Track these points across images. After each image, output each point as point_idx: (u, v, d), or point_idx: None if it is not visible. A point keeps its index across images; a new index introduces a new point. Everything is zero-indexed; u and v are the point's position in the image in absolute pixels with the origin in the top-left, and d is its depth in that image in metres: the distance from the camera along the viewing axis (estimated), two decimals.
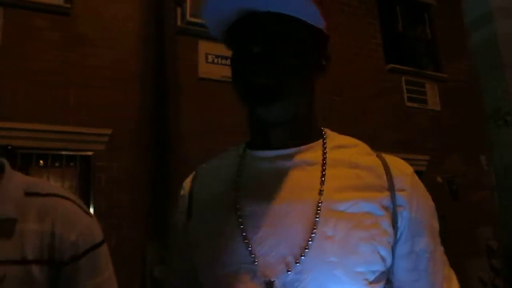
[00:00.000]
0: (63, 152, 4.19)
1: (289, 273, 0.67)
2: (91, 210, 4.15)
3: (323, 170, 0.74)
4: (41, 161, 4.15)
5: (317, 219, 0.69)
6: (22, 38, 4.21)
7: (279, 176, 0.74)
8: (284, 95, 0.72)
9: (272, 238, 0.70)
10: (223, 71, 5.02)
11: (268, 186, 0.74)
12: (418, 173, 6.23)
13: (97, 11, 4.61)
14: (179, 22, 5.01)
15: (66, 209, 0.89)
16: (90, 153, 4.27)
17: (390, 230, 0.72)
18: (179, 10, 5.10)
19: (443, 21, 7.20)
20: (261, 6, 0.70)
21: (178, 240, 0.86)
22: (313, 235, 0.68)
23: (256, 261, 0.69)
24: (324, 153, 0.77)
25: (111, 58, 4.53)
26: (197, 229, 0.80)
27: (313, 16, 0.72)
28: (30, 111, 4.06)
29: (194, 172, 0.89)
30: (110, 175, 4.25)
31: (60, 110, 4.20)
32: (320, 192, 0.72)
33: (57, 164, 4.19)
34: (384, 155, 0.80)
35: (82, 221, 0.90)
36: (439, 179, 6.25)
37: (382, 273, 0.71)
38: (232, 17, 0.74)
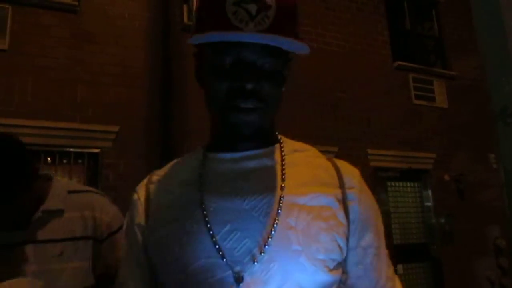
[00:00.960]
0: (71, 149, 4.21)
1: (255, 264, 0.71)
2: None
3: (283, 169, 0.80)
4: (49, 158, 4.18)
5: (279, 211, 0.74)
6: (30, 36, 4.23)
7: (243, 175, 0.79)
8: (265, 125, 0.81)
9: (237, 233, 0.74)
10: None
11: (232, 184, 0.78)
12: (425, 171, 6.23)
13: (104, 8, 4.63)
14: (185, 19, 5.01)
15: (100, 200, 1.34)
16: (97, 150, 4.30)
17: (344, 221, 0.78)
18: (185, 7, 5.10)
19: (451, 18, 7.14)
20: (257, 40, 0.72)
21: (134, 245, 0.85)
22: (276, 226, 0.73)
23: (223, 256, 0.72)
24: (282, 155, 0.83)
25: (118, 55, 4.55)
26: (157, 230, 0.80)
27: (301, 47, 0.74)
28: (38, 108, 4.08)
29: (147, 177, 0.91)
30: (117, 172, 4.27)
31: (68, 107, 4.22)
32: (282, 188, 0.77)
33: (65, 161, 4.22)
34: (333, 159, 0.87)
35: (112, 208, 1.35)
36: (446, 177, 6.21)
37: (339, 262, 0.77)
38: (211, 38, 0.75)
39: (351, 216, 0.80)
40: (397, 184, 6.10)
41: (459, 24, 7.10)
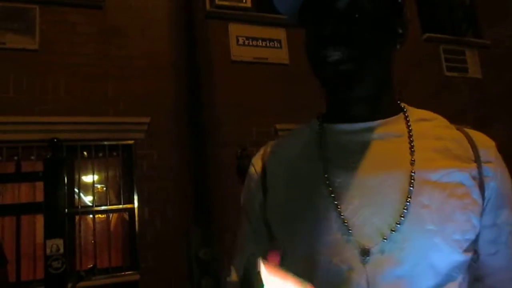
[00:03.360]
0: (105, 142, 4.32)
1: (385, 241, 0.67)
2: (135, 197, 4.28)
3: (411, 141, 0.74)
4: (85, 152, 4.30)
5: (411, 188, 0.69)
6: (58, 34, 4.34)
7: (367, 148, 0.74)
8: (363, 75, 0.71)
9: (366, 209, 0.70)
10: (255, 53, 5.00)
11: (356, 158, 0.74)
12: None
13: (128, 1, 4.67)
14: (208, 6, 5.01)
15: None
16: (131, 141, 4.39)
17: (479, 200, 0.72)
18: None
19: None
20: None
21: (253, 220, 0.83)
22: (408, 203, 0.68)
23: (350, 231, 0.69)
24: (408, 125, 0.77)
25: (144, 47, 4.61)
26: (279, 204, 0.78)
27: None
28: (72, 105, 4.20)
29: (262, 149, 0.87)
30: (151, 162, 4.36)
31: (100, 101, 4.32)
32: (412, 163, 0.71)
33: (100, 154, 4.33)
34: (465, 129, 0.81)
35: None
36: None
37: (473, 242, 0.72)
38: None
39: (487, 193, 0.74)
40: None
41: None
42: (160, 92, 4.54)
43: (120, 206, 4.31)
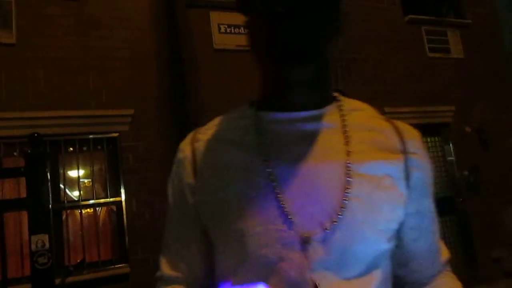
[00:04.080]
0: (90, 136, 4.27)
1: (327, 231, 0.69)
2: (122, 190, 4.25)
3: (345, 132, 0.76)
4: (69, 147, 4.25)
5: (349, 179, 0.71)
6: (35, 28, 4.25)
7: (303, 139, 0.75)
8: (312, 55, 0.72)
9: (304, 198, 0.71)
10: (238, 40, 4.97)
11: (294, 148, 0.74)
12: (445, 125, 6.13)
13: None
14: None
15: None
16: (115, 134, 4.35)
17: (405, 191, 0.75)
18: None
19: None
20: None
21: (182, 205, 0.81)
22: (348, 194, 0.70)
23: (291, 218, 0.69)
24: (342, 116, 0.78)
25: (125, 38, 4.54)
26: (211, 193, 0.76)
27: None
28: (53, 99, 4.13)
29: (191, 135, 0.85)
30: (136, 154, 4.33)
31: (81, 94, 4.26)
32: (348, 153, 0.73)
33: (85, 148, 4.29)
34: (392, 120, 0.83)
35: None
36: (467, 129, 6.11)
37: (396, 230, 0.75)
38: None
39: (412, 183, 0.76)
40: None
41: None
42: (143, 83, 4.49)
43: (107, 200, 4.28)
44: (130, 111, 4.37)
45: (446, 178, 6.11)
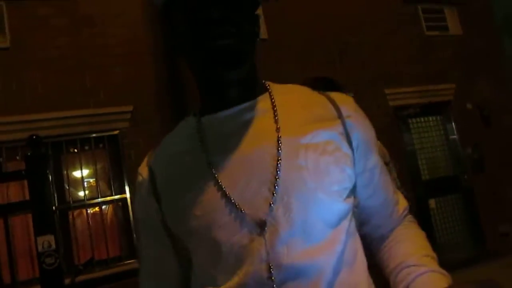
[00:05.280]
0: (91, 135, 4.27)
1: (272, 206, 0.73)
2: (126, 187, 4.26)
3: (275, 111, 0.81)
4: (70, 147, 4.26)
5: (279, 151, 0.76)
6: (29, 30, 4.23)
7: (240, 129, 0.80)
8: (245, 55, 0.79)
9: (249, 183, 0.76)
10: None
11: (233, 140, 0.79)
12: (446, 103, 6.09)
13: None
14: None
15: None
16: (116, 132, 4.35)
17: (349, 151, 0.81)
18: None
19: None
20: None
21: (150, 225, 0.87)
22: (279, 165, 0.75)
23: (241, 209, 0.74)
24: (272, 99, 0.84)
25: (120, 34, 4.52)
26: (172, 203, 0.82)
27: None
28: (51, 100, 4.13)
29: (146, 157, 0.91)
30: (138, 150, 4.32)
31: (79, 94, 4.26)
32: (277, 130, 0.78)
33: (86, 148, 4.29)
34: (326, 92, 0.88)
35: None
36: (469, 106, 6.07)
37: (351, 189, 0.81)
38: None
39: (354, 144, 0.83)
40: (419, 120, 6.00)
41: None
42: (140, 79, 4.48)
43: (112, 197, 4.29)
44: (129, 108, 4.36)
45: (450, 157, 6.09)
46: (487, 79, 6.15)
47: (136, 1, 4.69)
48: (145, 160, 0.91)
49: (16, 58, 4.12)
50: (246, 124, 0.81)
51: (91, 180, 4.44)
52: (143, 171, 0.89)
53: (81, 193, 4.32)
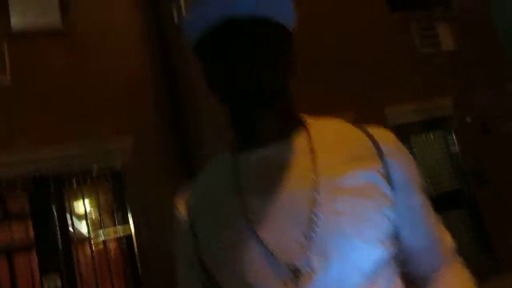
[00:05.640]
0: (92, 169, 4.25)
1: (308, 252, 0.71)
2: (130, 220, 4.22)
3: (312, 151, 0.78)
4: (73, 182, 4.23)
5: (317, 196, 0.73)
6: (30, 66, 4.27)
7: (275, 169, 0.78)
8: (278, 96, 0.78)
9: (283, 227, 0.74)
10: None
11: (267, 181, 0.77)
12: (446, 117, 6.09)
13: (95, 24, 4.61)
14: (176, 19, 4.97)
15: None
16: (118, 164, 4.33)
17: (389, 192, 0.78)
18: (174, 8, 5.05)
19: None
20: (242, 11, 0.73)
21: (188, 262, 0.86)
22: (317, 211, 0.72)
23: (276, 255, 0.72)
24: (310, 139, 0.81)
25: (121, 69, 4.54)
26: (208, 245, 0.81)
27: (287, 18, 0.79)
28: (52, 134, 4.13)
29: (182, 191, 0.91)
30: (141, 180, 4.30)
31: (81, 127, 4.25)
32: (315, 171, 0.76)
33: (89, 181, 4.27)
34: (363, 126, 0.85)
35: None
36: (468, 120, 6.08)
37: (391, 233, 0.78)
38: (203, 25, 0.77)
39: (395, 184, 0.79)
40: (420, 136, 6.00)
41: None
42: (141, 109, 4.51)
43: (116, 230, 4.25)
44: (131, 138, 4.36)
45: (453, 170, 6.06)
46: (484, 90, 6.18)
47: (132, 32, 4.75)
48: (182, 194, 0.91)
49: (17, 94, 4.14)
50: (283, 164, 0.78)
51: (94, 214, 4.40)
52: (181, 206, 0.89)
53: (84, 227, 4.27)
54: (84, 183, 4.24)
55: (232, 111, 0.82)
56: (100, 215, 4.30)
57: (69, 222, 4.16)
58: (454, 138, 6.10)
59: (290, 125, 0.82)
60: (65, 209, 4.14)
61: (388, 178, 0.78)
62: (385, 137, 0.84)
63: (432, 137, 6.11)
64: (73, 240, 4.08)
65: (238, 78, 0.74)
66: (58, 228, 3.92)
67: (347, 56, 5.59)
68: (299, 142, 0.80)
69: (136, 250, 4.15)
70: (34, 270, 3.72)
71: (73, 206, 4.25)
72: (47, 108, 4.20)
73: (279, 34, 0.78)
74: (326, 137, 0.82)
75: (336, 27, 5.62)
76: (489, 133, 6.13)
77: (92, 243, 4.16)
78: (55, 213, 3.71)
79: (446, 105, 6.09)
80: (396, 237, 0.80)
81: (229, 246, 0.77)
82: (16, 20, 4.46)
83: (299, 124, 0.84)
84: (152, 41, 4.81)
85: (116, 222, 4.25)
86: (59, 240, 3.89)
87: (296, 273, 0.71)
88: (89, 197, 4.32)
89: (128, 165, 4.33)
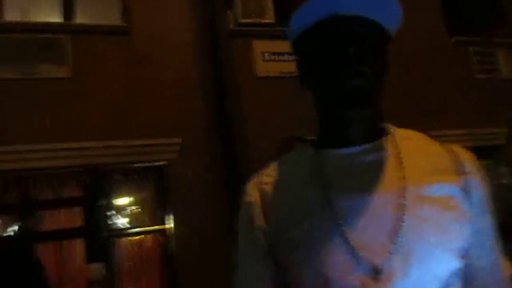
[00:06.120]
0: (139, 165, 4.37)
1: (391, 255, 0.72)
2: (171, 217, 4.30)
3: (400, 159, 0.80)
4: (119, 176, 4.36)
5: (405, 202, 0.75)
6: (90, 62, 4.46)
7: (363, 170, 0.80)
8: (375, 96, 0.81)
9: (369, 228, 0.75)
10: (281, 67, 5.01)
11: (355, 181, 0.79)
12: (498, 147, 5.87)
13: (153, 26, 4.77)
14: (231, 25, 5.06)
15: None
16: (164, 162, 4.43)
17: (468, 209, 0.79)
18: (230, 14, 5.15)
19: None
20: (349, 10, 0.76)
21: (257, 246, 0.85)
22: (404, 216, 0.74)
23: (359, 252, 0.73)
24: (396, 145, 0.83)
25: (172, 70, 4.68)
26: (285, 231, 0.80)
27: (392, 20, 0.81)
28: (106, 130, 4.28)
29: (256, 177, 0.91)
30: (185, 182, 4.37)
31: (132, 124, 4.39)
32: (404, 178, 0.77)
33: (136, 177, 4.39)
34: (447, 144, 0.88)
35: None
36: None
37: (466, 248, 0.79)
38: (308, 21, 0.79)
39: (473, 202, 0.80)
40: None
41: None
42: (190, 112, 4.59)
43: (156, 227, 4.33)
44: (178, 140, 4.45)
45: (502, 203, 5.82)
46: None
47: (187, 38, 4.87)
48: (254, 180, 0.90)
49: (76, 88, 4.32)
50: (370, 166, 0.80)
51: (136, 209, 4.51)
52: (253, 191, 0.88)
53: (125, 221, 4.39)
54: (131, 178, 4.35)
55: (325, 109, 0.84)
56: (142, 209, 4.40)
57: (112, 214, 4.28)
58: (505, 168, 5.86)
59: (376, 130, 0.84)
60: (109, 202, 4.27)
61: (467, 195, 0.80)
62: (466, 155, 0.85)
63: (482, 165, 5.90)
64: (113, 232, 4.19)
65: (340, 76, 0.76)
66: (105, 220, 4.05)
67: (402, 79, 5.51)
68: (387, 147, 0.83)
69: (174, 248, 4.21)
70: (79, 257, 3.86)
71: (117, 199, 4.37)
72: (103, 104, 4.36)
73: (380, 36, 0.81)
74: (411, 146, 0.84)
75: (396, 46, 5.55)
76: None
77: (131, 237, 4.25)
78: (104, 206, 3.82)
79: (500, 134, 5.87)
80: (466, 254, 0.81)
81: (311, 238, 0.77)
82: (80, 16, 4.69)
83: (385, 130, 0.86)
84: (204, 46, 4.91)
85: (157, 218, 4.34)
86: (105, 231, 4.02)
87: (376, 273, 0.72)
88: (133, 192, 4.43)
89: (174, 164, 4.42)
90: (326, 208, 0.77)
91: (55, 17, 4.66)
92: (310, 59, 0.83)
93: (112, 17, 4.84)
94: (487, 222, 0.84)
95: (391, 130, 0.87)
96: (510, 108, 5.96)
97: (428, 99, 5.59)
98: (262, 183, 0.88)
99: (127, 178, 4.34)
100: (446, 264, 0.74)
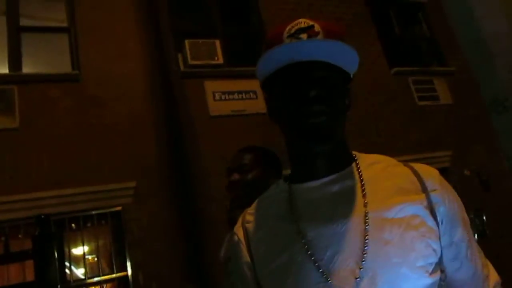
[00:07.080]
0: (93, 212, 4.28)
1: (358, 280, 0.77)
2: (128, 263, 4.20)
3: (362, 185, 0.86)
4: (73, 224, 4.25)
5: (367, 227, 0.80)
6: (38, 111, 4.40)
7: (329, 201, 0.86)
8: (337, 132, 0.87)
9: (337, 255, 0.80)
10: (231, 106, 5.13)
11: (322, 211, 0.85)
12: (444, 169, 6.14)
13: (104, 72, 4.78)
14: (182, 67, 5.17)
15: None
16: (119, 208, 4.36)
17: (434, 225, 0.83)
18: (180, 56, 5.27)
19: (438, 16, 7.25)
20: (310, 57, 0.83)
21: (244, 279, 0.92)
22: (367, 241, 0.79)
23: (330, 279, 0.78)
24: (359, 173, 0.89)
25: (124, 113, 4.68)
26: (266, 265, 0.87)
27: (351, 65, 0.87)
28: (56, 178, 4.19)
29: (241, 217, 0.98)
30: (141, 226, 4.32)
31: (84, 171, 4.32)
32: (365, 205, 0.83)
33: (89, 224, 4.28)
34: (410, 164, 0.92)
35: None
36: (466, 172, 6.14)
37: (436, 263, 0.82)
38: (275, 66, 0.86)
39: (439, 218, 0.84)
40: None
41: (444, 23, 7.19)
42: (144, 154, 4.58)
43: (114, 276, 4.22)
44: (132, 183, 4.42)
45: None
46: (482, 144, 6.28)
47: (139, 81, 4.91)
48: (240, 220, 0.98)
49: (25, 138, 4.24)
50: (336, 196, 0.86)
51: (91, 258, 4.38)
52: (239, 231, 0.96)
53: (82, 271, 4.24)
54: (85, 226, 4.25)
55: (291, 144, 0.91)
56: (98, 257, 4.28)
57: (68, 264, 4.14)
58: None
59: (342, 160, 0.90)
60: (64, 252, 4.13)
61: (432, 212, 0.83)
62: (430, 173, 0.89)
63: None
64: (70, 284, 4.05)
65: (301, 115, 0.83)
66: (57, 272, 3.90)
67: (349, 112, 5.73)
68: (350, 176, 0.88)
69: None
70: None
71: (72, 248, 4.24)
72: (53, 151, 4.29)
73: (341, 77, 0.88)
74: (375, 171, 0.89)
75: None
76: (488, 190, 6.17)
77: (89, 287, 4.12)
78: (56, 257, 3.70)
79: (445, 157, 6.17)
80: (441, 269, 0.84)
81: (287, 269, 0.83)
82: (27, 66, 4.66)
83: (350, 158, 0.92)
84: (157, 88, 4.96)
85: (114, 265, 4.23)
86: (58, 283, 3.87)
87: None
88: (88, 239, 4.32)
89: (129, 208, 4.36)
90: (298, 240, 0.83)
91: (2, 68, 4.61)
92: (276, 99, 0.90)
93: (61, 65, 4.84)
94: (458, 235, 0.87)
95: (357, 157, 0.93)
96: (453, 132, 6.31)
97: (375, 130, 5.83)
98: (245, 221, 0.96)
99: (81, 226, 4.23)
100: (415, 282, 0.78)
